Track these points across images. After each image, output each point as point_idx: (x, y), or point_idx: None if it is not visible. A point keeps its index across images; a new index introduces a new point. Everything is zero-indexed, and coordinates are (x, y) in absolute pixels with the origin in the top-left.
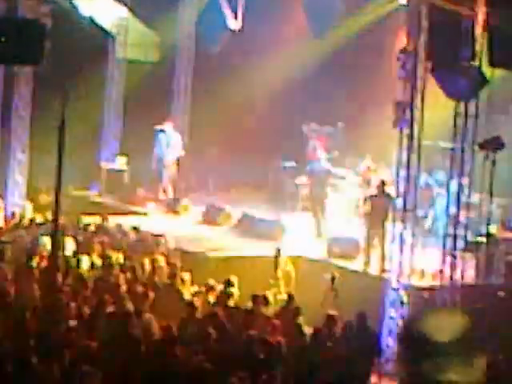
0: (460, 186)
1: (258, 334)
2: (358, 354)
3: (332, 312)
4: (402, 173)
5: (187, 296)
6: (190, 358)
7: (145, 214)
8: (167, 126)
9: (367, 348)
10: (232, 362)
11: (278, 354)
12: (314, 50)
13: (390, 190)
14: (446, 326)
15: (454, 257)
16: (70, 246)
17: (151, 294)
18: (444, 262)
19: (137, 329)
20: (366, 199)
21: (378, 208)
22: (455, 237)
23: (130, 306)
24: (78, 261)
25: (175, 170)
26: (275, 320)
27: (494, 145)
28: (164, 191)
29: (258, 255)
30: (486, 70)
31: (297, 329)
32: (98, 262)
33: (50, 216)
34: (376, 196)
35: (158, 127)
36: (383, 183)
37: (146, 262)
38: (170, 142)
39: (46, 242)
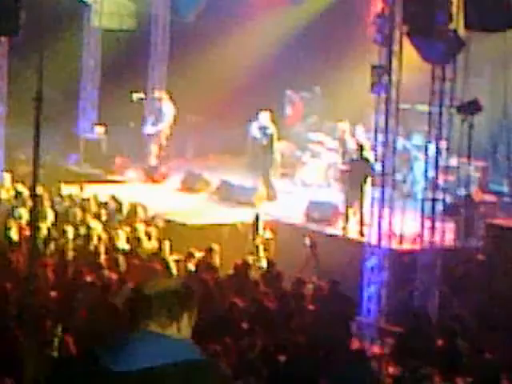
0: (438, 149)
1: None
2: (332, 318)
3: (300, 275)
4: (380, 137)
5: (169, 264)
6: None
7: (123, 182)
8: (160, 94)
9: (342, 313)
10: (215, 328)
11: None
12: (291, 15)
13: (368, 154)
14: (158, 287)
15: (433, 220)
16: (48, 216)
17: (131, 263)
18: (423, 225)
19: (117, 298)
20: (344, 163)
21: (357, 172)
22: (434, 200)
23: (109, 276)
24: (57, 231)
25: (164, 139)
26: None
27: (471, 108)
28: (153, 158)
29: (236, 222)
30: (462, 32)
31: (280, 294)
32: (77, 231)
33: (28, 186)
34: (354, 160)
35: (155, 96)
36: (361, 147)
37: (125, 230)
38: (162, 111)
39: (23, 212)
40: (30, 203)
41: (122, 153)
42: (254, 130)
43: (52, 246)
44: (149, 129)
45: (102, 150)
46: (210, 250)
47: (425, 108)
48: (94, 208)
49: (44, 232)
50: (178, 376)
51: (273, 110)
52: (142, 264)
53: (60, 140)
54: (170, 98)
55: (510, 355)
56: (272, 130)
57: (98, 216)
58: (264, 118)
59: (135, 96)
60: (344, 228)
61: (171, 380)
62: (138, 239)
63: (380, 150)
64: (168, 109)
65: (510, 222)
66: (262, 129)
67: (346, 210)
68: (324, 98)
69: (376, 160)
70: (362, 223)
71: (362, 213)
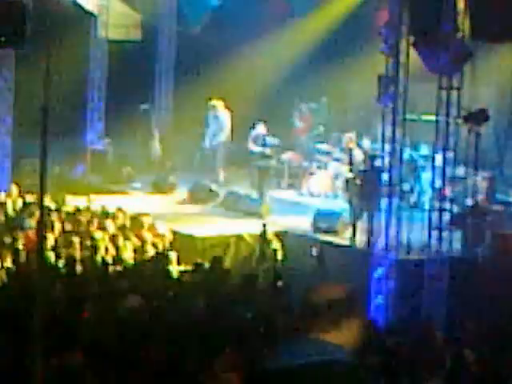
0: (445, 159)
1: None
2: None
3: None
4: (387, 147)
5: (175, 274)
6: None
7: (130, 193)
8: (214, 102)
9: None
10: (220, 339)
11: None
12: (298, 27)
13: (378, 164)
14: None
15: (440, 230)
16: (55, 227)
17: (138, 273)
18: (430, 235)
19: (124, 309)
20: (354, 174)
21: (367, 182)
22: (441, 210)
23: (117, 286)
24: (65, 242)
25: (223, 152)
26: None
27: (478, 118)
28: (219, 170)
29: (244, 232)
30: (469, 43)
31: (286, 305)
32: (84, 242)
33: (35, 197)
34: (364, 171)
35: (210, 104)
36: (372, 158)
37: (133, 241)
38: (220, 121)
39: (31, 223)
40: (37, 214)
41: (129, 164)
42: (253, 139)
43: (59, 257)
44: (207, 140)
45: (108, 161)
46: (217, 261)
47: (432, 118)
48: (101, 219)
49: (51, 243)
50: (318, 374)
51: (281, 120)
52: (150, 274)
53: (67, 151)
54: (226, 106)
55: None
56: (271, 140)
57: (104, 227)
58: (261, 128)
59: (142, 107)
60: (351, 238)
61: (311, 377)
62: (145, 250)
63: (387, 160)
64: (224, 117)
65: None
66: (261, 139)
67: (354, 220)
68: (330, 109)
69: (383, 170)
70: (369, 233)
71: (370, 222)
